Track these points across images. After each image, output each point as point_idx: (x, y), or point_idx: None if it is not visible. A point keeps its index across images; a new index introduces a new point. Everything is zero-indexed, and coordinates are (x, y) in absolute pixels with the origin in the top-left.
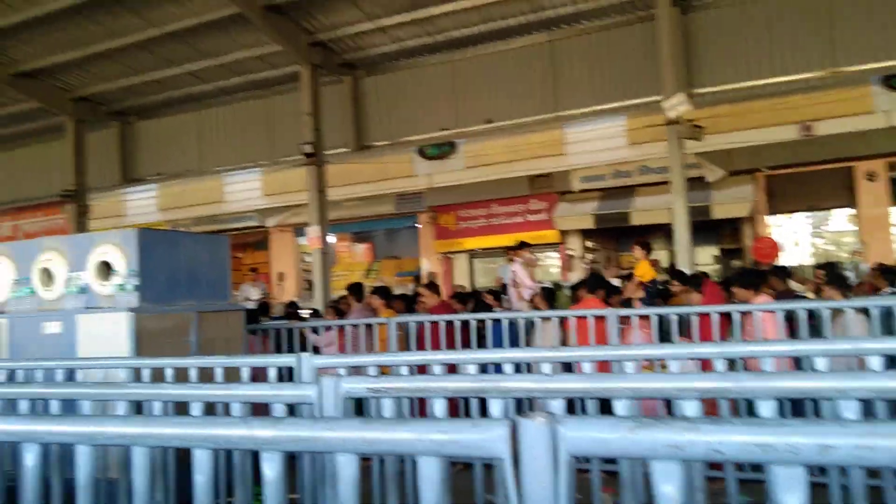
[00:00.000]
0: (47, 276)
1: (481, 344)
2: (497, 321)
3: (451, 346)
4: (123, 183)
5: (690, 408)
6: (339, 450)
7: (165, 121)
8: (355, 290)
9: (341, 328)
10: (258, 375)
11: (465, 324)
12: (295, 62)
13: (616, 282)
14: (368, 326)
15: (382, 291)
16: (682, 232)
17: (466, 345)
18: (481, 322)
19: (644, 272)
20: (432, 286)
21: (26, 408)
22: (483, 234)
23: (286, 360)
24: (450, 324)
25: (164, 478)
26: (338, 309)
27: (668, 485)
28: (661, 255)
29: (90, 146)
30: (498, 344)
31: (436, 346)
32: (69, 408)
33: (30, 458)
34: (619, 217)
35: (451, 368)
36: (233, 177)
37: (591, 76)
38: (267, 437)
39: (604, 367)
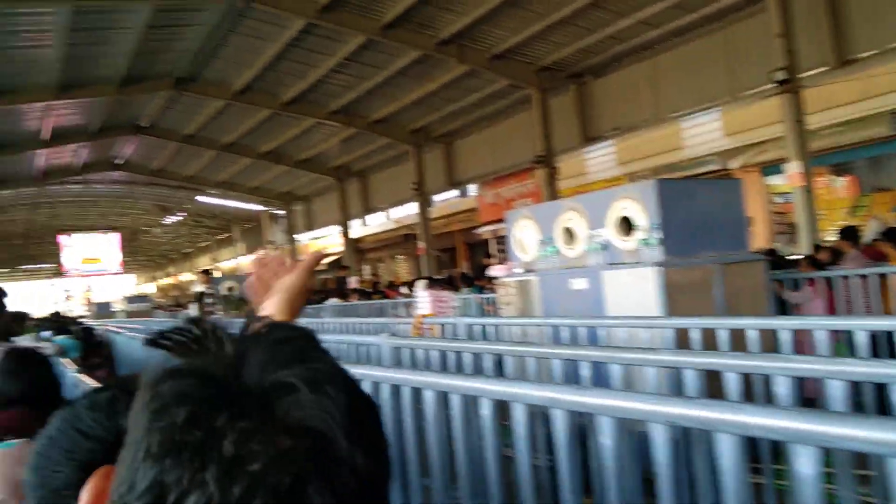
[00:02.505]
0: (569, 234)
1: None
2: None
3: None
4: (583, 143)
5: None
6: None
7: (618, 75)
8: (849, 234)
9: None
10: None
11: None
12: None
13: None
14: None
15: (892, 234)
16: None
17: None
18: None
19: None
20: None
21: (588, 372)
22: None
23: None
24: None
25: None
26: (814, 260)
27: None
28: None
29: (553, 112)
30: None
31: None
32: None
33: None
34: None
35: None
36: (690, 121)
37: None
38: None
39: None
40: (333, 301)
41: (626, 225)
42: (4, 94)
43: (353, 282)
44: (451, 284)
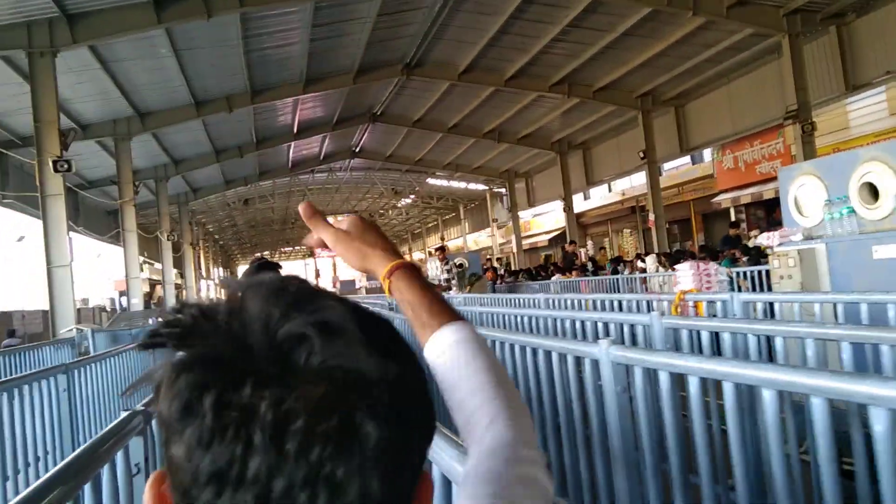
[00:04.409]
0: (871, 191)
1: None
2: None
3: None
4: (846, 92)
5: None
6: None
7: (890, 8)
8: None
9: None
10: None
11: None
12: None
13: None
14: None
15: None
16: None
17: None
18: None
19: None
20: None
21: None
22: None
23: None
24: None
25: None
26: None
27: None
28: None
29: (807, 59)
30: None
31: None
32: None
33: None
34: None
35: None
36: None
37: None
38: None
39: None
40: (558, 277)
41: None
42: (263, 92)
43: (583, 254)
44: (692, 258)
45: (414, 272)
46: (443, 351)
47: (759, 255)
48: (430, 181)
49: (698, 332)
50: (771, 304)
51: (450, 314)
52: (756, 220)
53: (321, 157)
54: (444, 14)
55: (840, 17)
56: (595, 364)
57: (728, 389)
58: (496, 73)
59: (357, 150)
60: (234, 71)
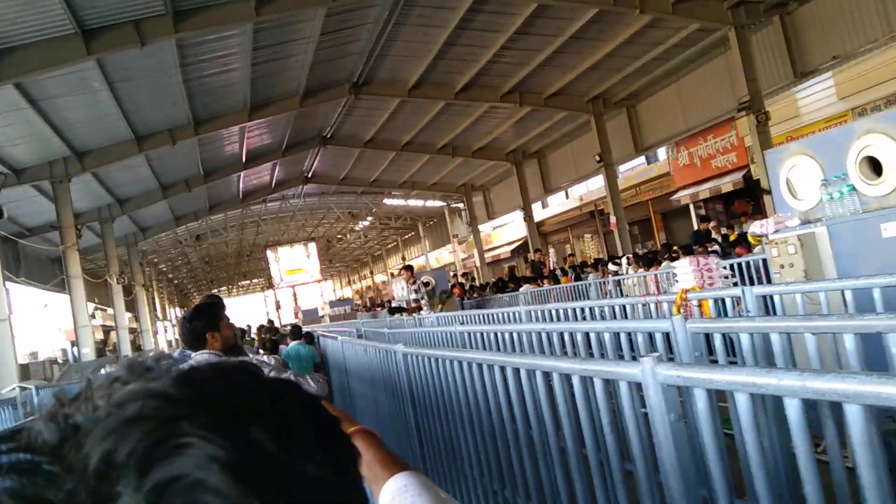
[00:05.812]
0: (872, 166)
1: None
2: None
3: None
4: (795, 80)
5: None
6: None
7: None
8: None
9: None
10: None
11: None
12: None
13: None
14: None
15: None
16: None
17: None
18: None
19: None
20: None
21: None
22: None
23: None
24: None
25: None
26: None
27: None
28: None
29: (754, 50)
30: None
31: None
32: None
33: None
34: None
35: None
36: None
37: None
38: None
39: None
40: (527, 287)
41: None
42: (207, 121)
43: (552, 261)
44: (669, 252)
45: (371, 436)
46: (392, 497)
47: (727, 247)
48: (387, 201)
49: (726, 336)
50: (775, 297)
51: (400, 465)
52: (715, 214)
53: (273, 186)
54: (390, 29)
55: (783, 6)
56: (630, 388)
57: (854, 413)
58: (446, 86)
59: (309, 175)
60: (174, 101)
